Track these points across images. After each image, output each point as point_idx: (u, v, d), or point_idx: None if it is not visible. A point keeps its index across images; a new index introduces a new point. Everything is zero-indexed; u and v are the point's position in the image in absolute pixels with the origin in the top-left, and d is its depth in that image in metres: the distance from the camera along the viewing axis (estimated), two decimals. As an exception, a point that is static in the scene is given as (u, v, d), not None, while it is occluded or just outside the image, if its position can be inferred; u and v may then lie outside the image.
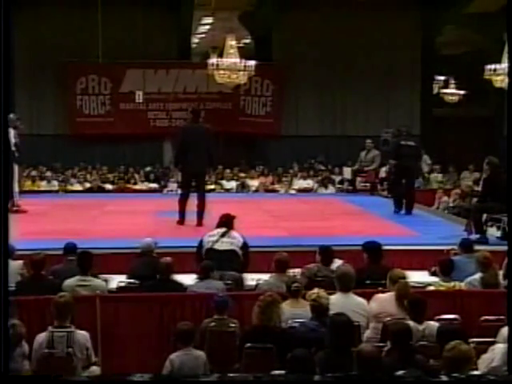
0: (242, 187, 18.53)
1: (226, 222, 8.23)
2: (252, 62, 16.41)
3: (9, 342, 4.18)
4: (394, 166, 13.27)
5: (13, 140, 12.43)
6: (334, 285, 6.53)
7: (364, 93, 20.40)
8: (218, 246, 7.91)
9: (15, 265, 7.40)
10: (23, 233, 10.30)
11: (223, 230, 8.08)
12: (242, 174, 19.31)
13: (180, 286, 7.13)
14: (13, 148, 12.37)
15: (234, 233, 8.11)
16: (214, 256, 7.72)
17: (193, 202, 11.27)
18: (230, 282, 7.43)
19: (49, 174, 18.46)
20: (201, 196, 11.21)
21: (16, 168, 12.57)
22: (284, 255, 7.39)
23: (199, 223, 11.07)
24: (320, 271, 7.40)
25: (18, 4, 19.62)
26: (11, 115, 12.81)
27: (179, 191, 12.04)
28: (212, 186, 17.61)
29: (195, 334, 5.89)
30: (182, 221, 11.27)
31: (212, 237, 8.02)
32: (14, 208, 12.38)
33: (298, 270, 7.54)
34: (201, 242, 8.07)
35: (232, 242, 7.99)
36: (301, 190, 18.31)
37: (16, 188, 12.59)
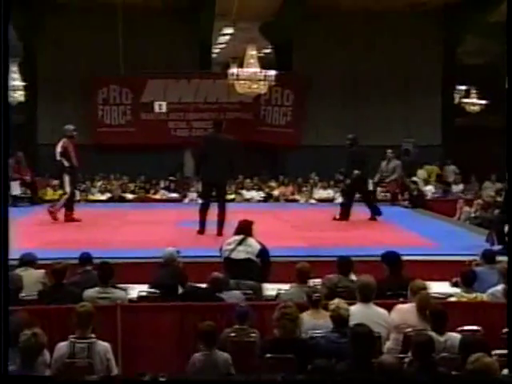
0: (269, 197, 18.51)
1: (244, 228, 8.16)
2: (272, 72, 16.44)
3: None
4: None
5: (58, 149, 12.54)
6: (355, 295, 6.50)
7: (385, 102, 20.37)
8: (234, 255, 7.86)
9: (37, 274, 7.46)
10: (45, 242, 10.38)
11: (240, 237, 8.03)
12: (272, 184, 19.27)
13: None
14: (58, 157, 12.47)
15: (250, 240, 8.02)
16: (231, 265, 7.71)
17: (214, 211, 11.30)
18: (248, 291, 7.42)
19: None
20: (221, 206, 11.23)
21: (67, 179, 12.60)
22: (305, 265, 7.37)
23: (219, 233, 11.08)
24: (341, 282, 7.37)
25: (41, 16, 19.86)
26: (69, 126, 13.02)
27: (199, 201, 12.08)
28: (232, 196, 17.63)
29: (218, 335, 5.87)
30: (202, 230, 11.30)
31: (229, 245, 7.99)
32: (57, 216, 12.61)
33: (318, 281, 7.52)
34: (220, 251, 8.07)
35: (248, 250, 7.92)
36: (321, 200, 18.27)
37: (67, 196, 12.68)
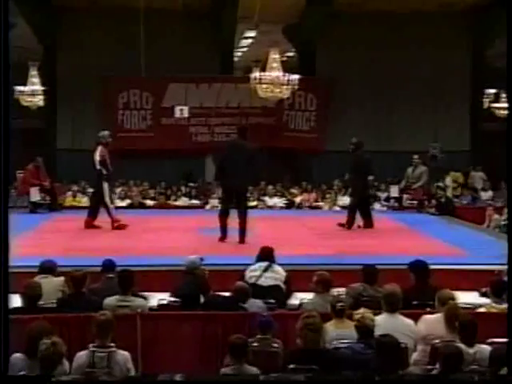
0: (292, 204, 18.49)
1: (267, 255, 8.21)
2: (296, 76, 16.42)
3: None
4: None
5: (97, 158, 12.63)
6: (380, 305, 6.47)
7: (411, 106, 20.30)
8: (261, 282, 7.86)
9: (57, 281, 7.50)
10: (65, 249, 10.44)
11: (265, 264, 8.05)
12: (295, 191, 19.25)
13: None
14: (98, 166, 12.56)
15: (276, 267, 8.09)
16: (258, 291, 7.69)
17: (235, 218, 11.33)
18: (271, 301, 7.42)
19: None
20: (242, 213, 11.29)
21: (106, 186, 12.72)
22: (326, 274, 7.34)
23: (241, 240, 11.15)
24: (366, 291, 7.34)
25: (61, 20, 20.05)
26: (105, 132, 13.14)
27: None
28: (254, 203, 17.63)
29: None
30: (223, 237, 11.36)
31: (254, 272, 7.98)
32: (115, 224, 12.69)
33: (342, 290, 7.50)
34: (243, 278, 8.06)
35: (276, 276, 7.96)
36: (345, 207, 18.19)
37: (110, 205, 12.79)
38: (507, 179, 5.09)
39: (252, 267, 8.06)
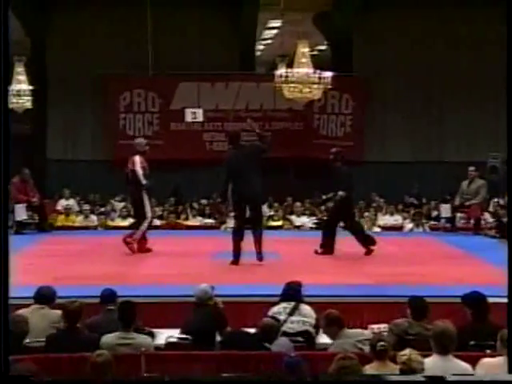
0: (322, 224, 18.43)
1: (294, 293, 8.12)
2: (328, 74, 16.44)
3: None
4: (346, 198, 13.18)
5: (139, 170, 12.73)
6: (430, 345, 6.42)
7: (466, 110, 20.24)
8: (287, 328, 7.76)
9: (53, 315, 7.49)
10: (55, 277, 10.46)
11: (291, 305, 7.97)
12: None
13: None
14: (143, 181, 12.78)
15: (304, 308, 7.97)
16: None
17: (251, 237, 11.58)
18: (300, 339, 7.39)
19: (86, 207, 18.75)
20: (257, 228, 11.65)
21: (147, 200, 12.92)
22: (334, 312, 7.26)
23: (259, 258, 11.53)
24: (412, 328, 7.30)
25: (52, 9, 20.24)
26: (141, 139, 13.29)
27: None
28: (279, 223, 17.61)
29: None
30: (236, 261, 11.61)
31: (278, 315, 7.88)
32: (143, 246, 12.89)
33: (384, 326, 7.45)
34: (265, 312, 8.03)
35: (304, 320, 7.83)
36: (387, 228, 18.13)
37: (148, 223, 12.95)
38: (507, 180, 5.28)
39: (275, 309, 7.96)
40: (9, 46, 4.21)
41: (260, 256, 11.59)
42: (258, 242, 11.60)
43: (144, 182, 12.83)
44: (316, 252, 13.04)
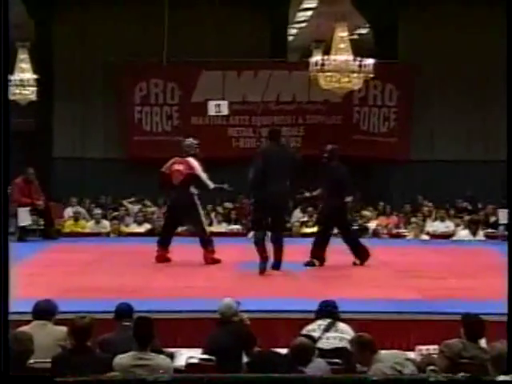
0: (364, 231, 18.38)
1: (330, 311, 8.16)
2: (370, 61, 16.39)
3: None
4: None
5: (202, 174, 12.85)
6: (487, 370, 6.38)
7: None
8: (322, 344, 7.80)
9: (57, 332, 7.50)
10: (63, 289, 10.51)
11: (326, 322, 8.01)
12: (368, 213, 19.15)
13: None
14: (211, 185, 13.00)
15: (341, 325, 8.02)
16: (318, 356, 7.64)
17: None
18: (337, 360, 7.37)
19: (97, 211, 18.82)
20: (277, 239, 11.79)
21: (200, 208, 13.10)
22: (365, 336, 7.23)
23: (276, 266, 11.75)
24: (466, 350, 7.24)
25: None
26: (191, 140, 13.34)
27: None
28: (315, 229, 17.55)
29: None
30: (263, 271, 11.70)
31: (313, 332, 7.94)
32: (212, 256, 12.99)
33: (434, 348, 7.40)
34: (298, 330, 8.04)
35: (341, 336, 7.87)
36: (437, 236, 18.03)
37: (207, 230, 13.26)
38: (507, 181, 5.68)
39: (309, 327, 8.01)
40: (9, 30, 4.23)
41: (277, 264, 11.82)
42: (278, 249, 11.83)
43: (212, 186, 13.04)
44: (354, 263, 13.04)
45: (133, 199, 19.70)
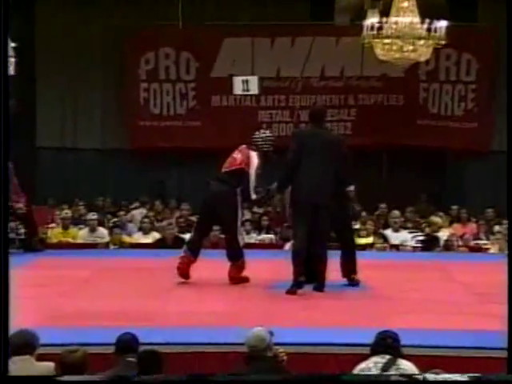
0: (434, 241, 18.35)
1: (389, 345, 8.14)
2: (442, 24, 16.34)
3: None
4: None
5: (252, 180, 12.89)
6: None
7: None
8: None
9: (42, 369, 7.57)
10: (48, 316, 10.57)
11: (385, 358, 7.99)
12: (438, 219, 19.09)
13: None
14: (253, 195, 12.91)
15: (404, 363, 8.01)
16: None
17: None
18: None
19: (92, 215, 18.88)
20: (321, 250, 11.68)
21: (240, 213, 13.19)
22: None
23: (319, 288, 11.75)
24: None
25: None
26: (266, 132, 13.38)
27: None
28: (369, 240, 17.56)
29: None
30: (293, 291, 11.75)
31: (367, 371, 7.93)
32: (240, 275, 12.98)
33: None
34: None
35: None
36: (526, 248, 17.95)
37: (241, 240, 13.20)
38: (507, 179, 6.25)
39: (363, 365, 7.99)
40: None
41: (320, 285, 11.85)
42: (321, 264, 11.81)
43: (254, 196, 12.95)
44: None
45: (137, 204, 19.73)
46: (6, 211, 5.00)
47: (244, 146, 13.10)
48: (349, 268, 12.73)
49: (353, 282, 12.65)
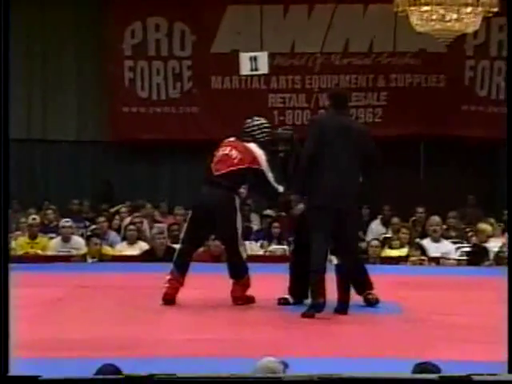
0: (483, 253, 18.38)
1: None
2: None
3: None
4: None
5: (269, 172, 12.99)
6: None
7: None
8: None
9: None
10: (16, 346, 10.64)
11: None
12: (488, 227, 19.12)
13: None
14: (280, 189, 13.11)
15: None
16: None
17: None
18: None
19: (66, 222, 18.95)
20: (346, 258, 11.89)
21: (240, 220, 13.35)
22: None
23: (343, 311, 11.80)
24: None
25: None
26: (261, 119, 13.47)
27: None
28: (403, 251, 17.61)
29: None
30: (311, 315, 11.83)
31: None
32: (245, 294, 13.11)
33: None
34: None
35: None
36: None
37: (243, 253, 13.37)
38: (507, 179, 6.63)
39: None
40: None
41: (343, 307, 11.92)
42: (344, 281, 11.94)
43: (282, 189, 13.08)
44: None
45: (123, 208, 19.80)
46: (6, 211, 5.12)
47: (232, 138, 13.13)
48: (360, 281, 12.71)
49: (370, 301, 12.73)
